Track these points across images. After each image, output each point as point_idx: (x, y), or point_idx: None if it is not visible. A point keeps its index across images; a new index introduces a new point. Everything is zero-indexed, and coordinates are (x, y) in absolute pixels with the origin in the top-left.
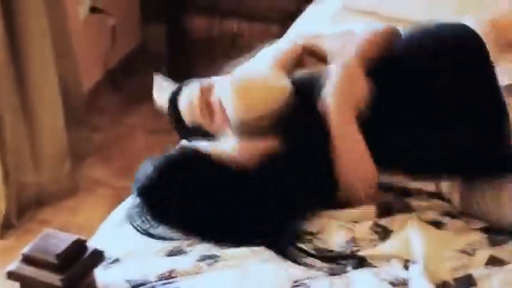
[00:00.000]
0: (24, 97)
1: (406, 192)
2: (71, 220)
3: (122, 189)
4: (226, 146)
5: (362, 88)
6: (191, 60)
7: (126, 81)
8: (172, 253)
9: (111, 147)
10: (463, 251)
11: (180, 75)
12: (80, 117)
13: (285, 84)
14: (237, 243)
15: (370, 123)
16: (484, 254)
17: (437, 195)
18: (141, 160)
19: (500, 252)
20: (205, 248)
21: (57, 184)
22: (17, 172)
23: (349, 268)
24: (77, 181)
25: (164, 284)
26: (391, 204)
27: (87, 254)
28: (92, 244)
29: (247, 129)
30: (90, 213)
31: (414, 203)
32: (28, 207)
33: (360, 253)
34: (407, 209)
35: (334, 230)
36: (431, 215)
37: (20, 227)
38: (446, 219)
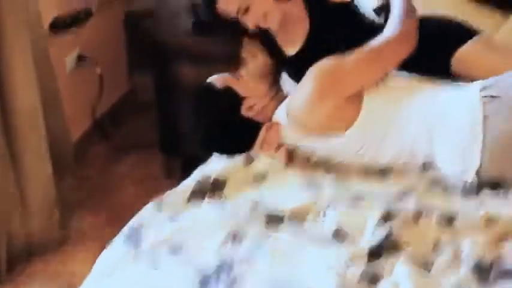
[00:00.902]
0: (12, 147)
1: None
2: (61, 270)
3: (111, 238)
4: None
5: None
6: (180, 108)
7: (114, 130)
8: None
9: (99, 197)
10: None
11: (168, 123)
12: (68, 167)
13: None
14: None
15: None
16: None
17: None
18: (130, 209)
19: None
20: None
21: (46, 234)
22: (5, 223)
23: None
24: (66, 231)
25: None
26: (381, 244)
27: None
28: None
29: None
30: (80, 263)
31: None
32: (17, 258)
33: None
34: (396, 249)
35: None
36: (421, 255)
37: (9, 279)
38: (435, 257)
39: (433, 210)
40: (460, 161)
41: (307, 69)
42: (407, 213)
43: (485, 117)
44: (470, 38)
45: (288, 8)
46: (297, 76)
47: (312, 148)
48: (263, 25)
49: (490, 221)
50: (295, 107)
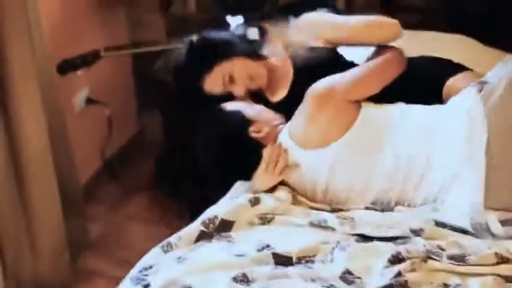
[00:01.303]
0: (22, 189)
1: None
2: None
3: (120, 279)
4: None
5: None
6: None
7: (123, 171)
8: None
9: (108, 238)
10: None
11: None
12: (77, 208)
13: None
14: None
15: None
16: None
17: None
18: (139, 250)
19: None
20: None
21: (55, 275)
22: (15, 264)
23: None
24: (75, 272)
25: None
26: (390, 285)
27: None
28: None
29: None
30: None
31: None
32: None
33: None
34: None
35: None
36: None
37: None
38: None
39: (442, 251)
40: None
41: (293, 113)
42: (416, 253)
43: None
44: (461, 71)
45: (271, 63)
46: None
47: (314, 176)
48: (253, 87)
49: (501, 260)
50: (295, 128)
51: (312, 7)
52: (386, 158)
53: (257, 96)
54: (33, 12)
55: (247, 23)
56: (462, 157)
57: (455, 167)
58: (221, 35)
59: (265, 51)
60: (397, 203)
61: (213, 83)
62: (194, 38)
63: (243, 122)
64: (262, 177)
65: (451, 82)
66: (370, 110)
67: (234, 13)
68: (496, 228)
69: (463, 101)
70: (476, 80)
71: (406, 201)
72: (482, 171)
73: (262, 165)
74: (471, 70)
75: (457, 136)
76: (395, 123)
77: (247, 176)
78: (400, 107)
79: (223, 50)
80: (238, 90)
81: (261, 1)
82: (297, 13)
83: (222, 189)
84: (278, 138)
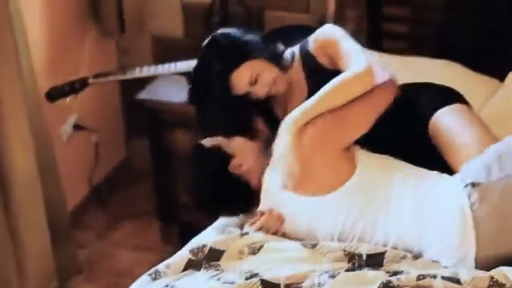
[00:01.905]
0: (9, 217)
1: None
2: None
3: None
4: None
5: None
6: (175, 175)
7: (110, 197)
8: None
9: (96, 264)
10: None
11: (165, 190)
12: (65, 235)
13: None
14: None
15: None
16: None
17: None
18: (127, 277)
19: None
20: None
21: None
22: None
23: None
24: None
25: None
26: None
27: None
28: None
29: None
30: None
31: None
32: None
33: None
34: None
35: None
36: None
37: None
38: None
39: (436, 274)
40: (455, 255)
41: None
42: (406, 282)
43: (472, 207)
44: (452, 101)
45: (290, 77)
46: None
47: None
48: (273, 91)
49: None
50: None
51: (298, 32)
52: (377, 234)
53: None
54: (22, 40)
55: None
56: (454, 258)
57: (445, 260)
58: (250, 35)
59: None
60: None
61: (240, 78)
62: (218, 34)
63: (224, 158)
64: None
65: (436, 118)
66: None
67: None
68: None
69: (455, 196)
70: (462, 114)
71: None
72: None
73: (253, 227)
74: (461, 101)
75: (450, 236)
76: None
77: (236, 210)
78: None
79: (255, 49)
80: (262, 91)
81: (248, 27)
82: (282, 40)
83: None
84: (263, 177)
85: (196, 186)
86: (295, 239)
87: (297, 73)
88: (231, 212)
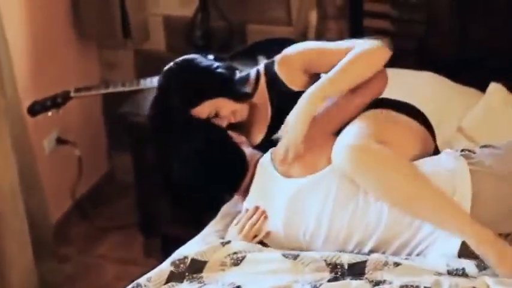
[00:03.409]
0: None
1: None
2: None
3: None
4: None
5: None
6: (158, 189)
7: (94, 210)
8: None
9: (80, 278)
10: None
11: (147, 204)
12: (48, 248)
13: None
14: None
15: None
16: None
17: None
18: None
19: None
20: None
21: None
22: None
23: None
24: None
25: None
26: None
27: None
28: None
29: None
30: None
31: None
32: None
33: None
34: None
35: None
36: None
37: None
38: None
39: (419, 284)
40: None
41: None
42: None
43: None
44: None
45: (252, 100)
46: None
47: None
48: (234, 121)
49: None
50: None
51: (280, 45)
52: (372, 208)
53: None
54: (4, 53)
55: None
56: None
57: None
58: (214, 67)
59: (247, 89)
60: (371, 251)
61: (199, 113)
62: (183, 64)
63: (222, 129)
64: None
65: None
66: None
67: (203, 53)
68: (473, 273)
69: (448, 161)
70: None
71: (381, 250)
72: None
73: (237, 226)
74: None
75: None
76: None
77: (231, 187)
78: None
79: (216, 88)
80: (222, 122)
81: (230, 41)
82: (265, 52)
83: (205, 210)
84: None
85: (191, 163)
86: (277, 239)
87: (261, 94)
88: (225, 185)
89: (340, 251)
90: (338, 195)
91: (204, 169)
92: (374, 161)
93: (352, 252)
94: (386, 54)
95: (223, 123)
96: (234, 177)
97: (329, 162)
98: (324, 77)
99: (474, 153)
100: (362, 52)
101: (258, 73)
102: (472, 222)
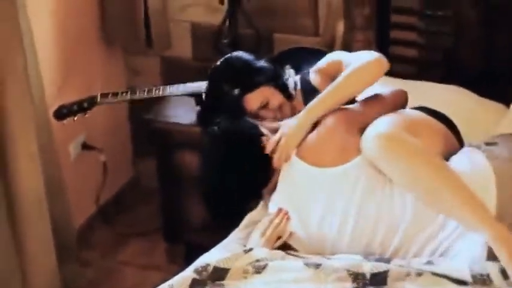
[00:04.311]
0: (16, 235)
1: None
2: None
3: None
4: None
5: None
6: (182, 195)
7: (117, 216)
8: None
9: (102, 283)
10: None
11: (171, 210)
12: (71, 253)
13: None
14: None
15: None
16: None
17: None
18: None
19: None
20: None
21: None
22: None
23: None
24: None
25: None
26: None
27: None
28: None
29: None
30: None
31: None
32: None
33: None
34: None
35: None
36: None
37: None
38: None
39: None
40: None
41: None
42: None
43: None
44: None
45: (293, 104)
46: None
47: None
48: (279, 116)
49: None
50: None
51: (307, 55)
52: (396, 200)
53: None
54: (32, 58)
55: None
56: None
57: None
58: (262, 62)
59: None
60: (396, 249)
61: (251, 101)
62: (232, 56)
63: (255, 133)
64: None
65: None
66: None
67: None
68: (498, 279)
69: (472, 158)
70: None
71: (406, 246)
72: None
73: (260, 228)
74: None
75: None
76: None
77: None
78: None
79: (268, 76)
80: (269, 115)
81: (257, 49)
82: (292, 61)
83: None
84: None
85: (221, 171)
86: (300, 240)
87: (299, 103)
88: (254, 190)
89: (365, 251)
90: (366, 185)
91: (234, 170)
92: (403, 149)
93: (376, 250)
94: (381, 68)
95: (270, 116)
96: (260, 179)
97: (359, 153)
98: (323, 92)
99: (496, 144)
100: (358, 68)
101: (295, 82)
102: (491, 217)
